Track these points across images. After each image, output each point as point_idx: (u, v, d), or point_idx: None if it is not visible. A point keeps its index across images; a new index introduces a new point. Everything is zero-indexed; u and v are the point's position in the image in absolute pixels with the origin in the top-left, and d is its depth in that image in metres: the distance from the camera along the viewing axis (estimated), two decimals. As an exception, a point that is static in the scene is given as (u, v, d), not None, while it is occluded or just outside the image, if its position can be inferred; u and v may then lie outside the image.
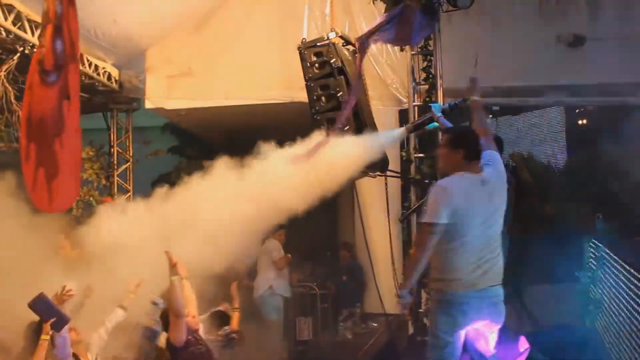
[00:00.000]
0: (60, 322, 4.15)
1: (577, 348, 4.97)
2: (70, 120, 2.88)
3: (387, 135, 5.31)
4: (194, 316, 4.75)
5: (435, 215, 3.68)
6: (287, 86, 7.80)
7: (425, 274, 6.11)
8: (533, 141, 10.43)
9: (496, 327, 3.99)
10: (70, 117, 2.88)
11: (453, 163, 3.89)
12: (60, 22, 2.83)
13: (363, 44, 5.25)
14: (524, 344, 5.22)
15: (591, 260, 5.92)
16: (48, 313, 4.12)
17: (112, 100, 9.21)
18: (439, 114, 4.63)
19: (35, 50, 6.33)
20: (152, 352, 4.69)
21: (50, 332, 4.07)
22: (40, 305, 4.18)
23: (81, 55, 7.56)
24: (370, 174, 6.01)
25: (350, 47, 5.82)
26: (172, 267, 4.42)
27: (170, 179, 12.50)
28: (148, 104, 8.99)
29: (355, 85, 5.13)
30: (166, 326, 4.53)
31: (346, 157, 4.83)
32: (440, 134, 5.45)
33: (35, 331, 4.39)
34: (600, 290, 5.64)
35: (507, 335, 5.55)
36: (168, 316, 4.48)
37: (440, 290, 3.83)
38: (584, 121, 10.47)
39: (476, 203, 3.78)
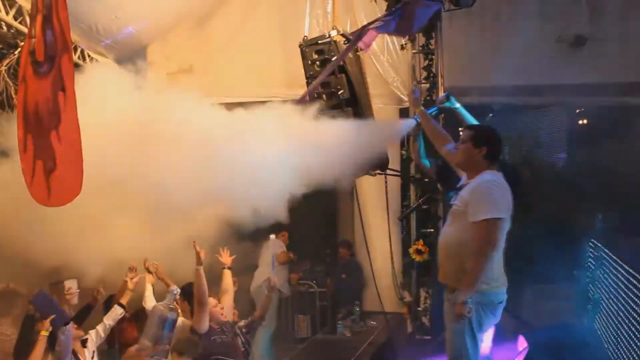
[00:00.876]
0: (60, 319, 4.16)
1: (575, 348, 4.98)
2: (67, 113, 2.82)
3: (401, 125, 5.21)
4: (222, 307, 4.83)
5: (500, 211, 3.63)
6: (288, 84, 7.80)
7: (424, 273, 6.16)
8: (534, 141, 10.43)
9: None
10: (67, 109, 2.82)
11: (475, 160, 3.87)
12: (50, 11, 2.80)
13: (359, 35, 5.25)
14: (522, 343, 5.23)
15: (590, 259, 5.92)
16: (48, 309, 4.14)
17: (112, 97, 9.20)
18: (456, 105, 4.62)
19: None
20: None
21: (50, 329, 4.09)
22: (41, 301, 4.21)
23: (82, 51, 7.55)
24: (371, 172, 6.02)
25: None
26: (198, 256, 4.56)
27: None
28: (149, 101, 8.97)
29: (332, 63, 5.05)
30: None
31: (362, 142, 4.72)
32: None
33: (31, 325, 4.41)
34: (598, 290, 5.64)
35: (505, 334, 5.57)
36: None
37: (483, 291, 3.71)
38: (585, 121, 10.46)
39: (511, 202, 3.80)
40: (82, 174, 2.83)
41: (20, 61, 2.81)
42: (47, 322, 4.08)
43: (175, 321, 4.67)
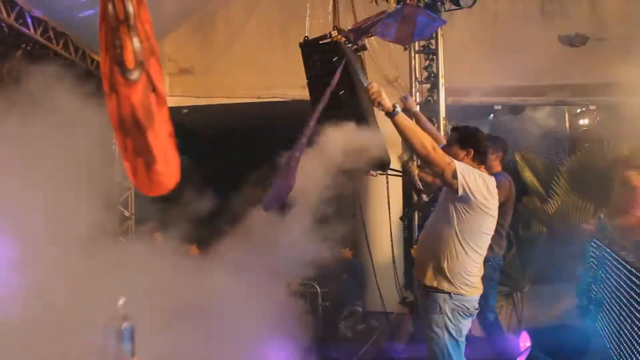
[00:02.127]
0: None
1: (577, 347, 4.97)
2: (160, 112, 3.08)
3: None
4: None
5: (464, 172, 3.46)
6: (289, 84, 7.79)
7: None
8: (535, 141, 10.42)
9: None
10: (159, 109, 3.07)
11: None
12: (134, 20, 3.00)
13: (357, 36, 5.21)
14: (525, 339, 5.21)
15: (592, 259, 5.91)
16: None
17: (113, 98, 9.19)
18: None
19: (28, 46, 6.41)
20: None
21: None
22: None
23: (83, 52, 7.56)
24: (372, 172, 6.01)
25: (353, 46, 5.81)
26: None
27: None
28: (150, 101, 8.98)
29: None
30: None
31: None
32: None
33: None
34: (601, 290, 5.63)
35: (507, 330, 5.54)
36: None
37: (462, 296, 3.65)
38: (586, 121, 10.46)
39: (495, 204, 3.69)
40: (178, 161, 3.14)
41: (103, 71, 3.01)
42: None
43: None
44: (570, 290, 6.25)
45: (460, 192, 3.49)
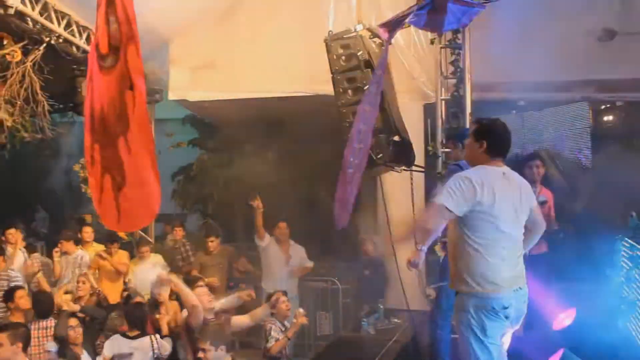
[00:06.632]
0: None
1: (609, 349, 4.87)
2: (137, 115, 2.34)
3: None
4: None
5: (454, 205, 3.51)
6: (313, 79, 7.73)
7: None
8: (558, 137, 10.26)
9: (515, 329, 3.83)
10: (136, 111, 2.34)
11: (476, 155, 3.70)
12: None
13: (390, 31, 5.16)
14: (570, 316, 5.13)
15: (624, 259, 5.78)
16: None
17: (135, 92, 9.21)
18: None
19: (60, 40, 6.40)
20: None
21: None
22: None
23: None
24: (396, 168, 5.96)
25: (377, 40, 5.75)
26: None
27: (191, 171, 12.54)
28: (171, 96, 8.99)
29: (379, 77, 4.96)
30: None
31: None
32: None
33: None
34: (634, 290, 5.51)
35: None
36: None
37: (476, 293, 3.60)
38: (610, 117, 10.28)
39: (503, 196, 3.59)
40: (158, 193, 2.30)
41: (88, 58, 2.42)
42: None
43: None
44: (598, 290, 6.12)
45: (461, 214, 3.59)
